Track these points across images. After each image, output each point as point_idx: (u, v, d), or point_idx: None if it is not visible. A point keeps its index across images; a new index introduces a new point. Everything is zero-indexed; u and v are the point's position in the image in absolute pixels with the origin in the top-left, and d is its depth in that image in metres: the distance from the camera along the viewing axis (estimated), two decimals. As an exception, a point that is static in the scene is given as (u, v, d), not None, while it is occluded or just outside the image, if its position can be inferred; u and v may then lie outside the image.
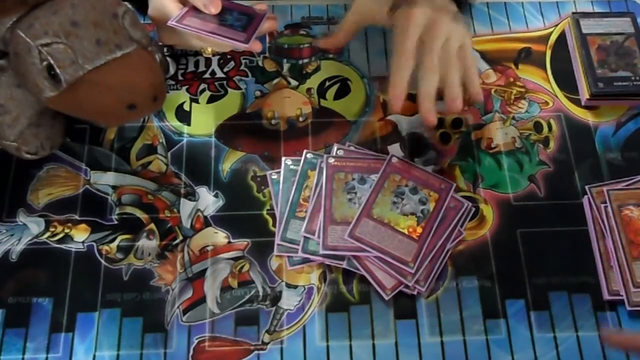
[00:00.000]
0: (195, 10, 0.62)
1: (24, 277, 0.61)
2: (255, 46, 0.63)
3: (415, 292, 0.61)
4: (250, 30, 0.62)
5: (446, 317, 0.61)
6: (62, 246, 0.62)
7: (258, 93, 0.72)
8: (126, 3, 0.57)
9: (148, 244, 0.63)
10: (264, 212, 0.65)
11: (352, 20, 0.69)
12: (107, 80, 0.53)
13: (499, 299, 0.61)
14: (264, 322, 0.60)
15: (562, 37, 0.77)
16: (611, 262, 0.62)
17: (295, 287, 0.61)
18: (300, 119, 0.70)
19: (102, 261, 0.62)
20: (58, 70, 0.51)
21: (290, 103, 0.71)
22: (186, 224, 0.64)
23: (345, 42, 0.71)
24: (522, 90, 0.73)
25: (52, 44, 0.51)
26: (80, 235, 0.63)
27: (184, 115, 0.70)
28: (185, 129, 0.69)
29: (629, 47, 0.73)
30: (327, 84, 0.73)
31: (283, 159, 0.67)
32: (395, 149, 0.69)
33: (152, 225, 0.64)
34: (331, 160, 0.65)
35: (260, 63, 0.74)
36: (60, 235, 0.63)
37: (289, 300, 0.61)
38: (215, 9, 0.62)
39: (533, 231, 0.65)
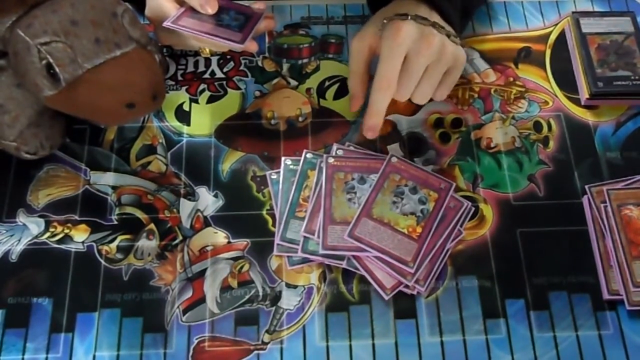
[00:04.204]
0: (191, 10, 0.62)
1: (24, 278, 0.61)
2: (251, 46, 0.63)
3: (415, 292, 0.61)
4: (247, 30, 0.62)
5: (446, 317, 0.60)
6: (62, 246, 0.62)
7: (257, 93, 0.72)
8: (125, 3, 0.57)
9: (148, 244, 0.63)
10: (264, 212, 0.65)
11: (360, 61, 0.65)
12: (106, 79, 0.53)
13: (498, 299, 0.61)
14: (264, 322, 0.60)
15: (561, 36, 0.77)
16: (611, 262, 0.62)
17: (295, 287, 0.61)
18: (300, 118, 0.70)
19: (102, 261, 0.62)
20: (57, 69, 0.51)
21: (290, 103, 0.71)
22: (186, 224, 0.64)
23: (366, 90, 0.66)
24: (522, 89, 0.73)
25: (52, 43, 0.51)
26: (80, 236, 0.63)
27: (183, 116, 0.70)
28: (185, 129, 0.69)
29: (628, 46, 0.73)
30: (327, 83, 0.73)
31: (283, 158, 0.67)
32: (394, 148, 0.68)
33: (152, 226, 0.64)
34: (331, 160, 0.65)
35: (259, 63, 0.74)
36: (60, 236, 0.63)
37: (289, 300, 0.61)
38: (211, 9, 0.62)
39: (533, 231, 0.65)
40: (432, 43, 0.60)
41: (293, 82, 0.73)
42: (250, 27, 0.63)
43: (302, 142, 0.68)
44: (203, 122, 0.69)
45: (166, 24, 0.60)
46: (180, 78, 0.72)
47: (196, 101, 0.71)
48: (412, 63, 0.60)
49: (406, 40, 0.60)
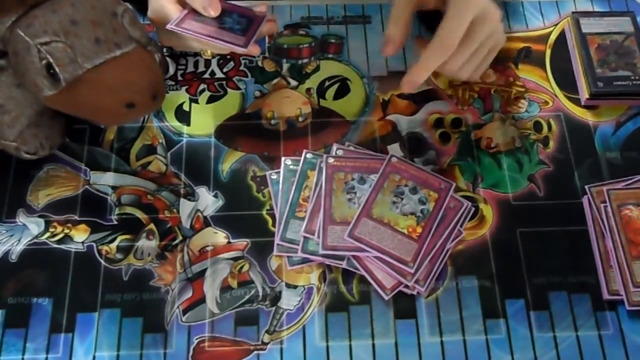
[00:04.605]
0: (194, 12, 0.62)
1: (23, 278, 0.61)
2: (254, 50, 0.63)
3: (415, 292, 0.61)
4: (250, 34, 0.62)
5: (446, 317, 0.60)
6: (62, 246, 0.62)
7: (257, 93, 0.72)
8: (126, 3, 0.57)
9: (148, 244, 0.63)
10: (264, 212, 0.65)
11: (405, 6, 0.60)
12: (106, 79, 0.53)
13: (498, 299, 0.61)
14: (264, 322, 0.60)
15: (561, 36, 0.77)
16: (611, 262, 0.62)
17: (295, 287, 0.61)
18: (300, 119, 0.70)
19: (102, 261, 0.62)
20: (57, 69, 0.51)
21: (290, 103, 0.71)
22: (186, 224, 0.64)
23: (405, 38, 0.61)
24: (522, 89, 0.73)
25: (51, 43, 0.51)
26: (80, 236, 0.63)
27: (183, 116, 0.70)
28: (185, 129, 0.69)
29: (628, 46, 0.73)
30: (327, 83, 0.73)
31: (282, 159, 0.67)
32: (394, 148, 0.68)
33: (152, 226, 0.64)
34: (331, 160, 0.65)
35: (259, 63, 0.74)
36: (60, 236, 0.63)
37: (289, 300, 0.61)
38: (214, 12, 0.61)
39: (533, 231, 0.65)
40: (496, 15, 0.58)
41: (293, 82, 0.73)
42: (253, 30, 0.63)
43: (302, 142, 0.68)
44: (203, 122, 0.69)
45: (169, 26, 0.60)
46: (180, 78, 0.72)
47: (196, 101, 0.71)
48: (475, 30, 0.57)
49: (479, 4, 0.57)
